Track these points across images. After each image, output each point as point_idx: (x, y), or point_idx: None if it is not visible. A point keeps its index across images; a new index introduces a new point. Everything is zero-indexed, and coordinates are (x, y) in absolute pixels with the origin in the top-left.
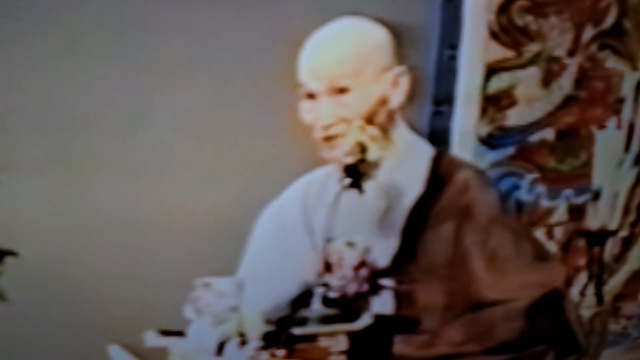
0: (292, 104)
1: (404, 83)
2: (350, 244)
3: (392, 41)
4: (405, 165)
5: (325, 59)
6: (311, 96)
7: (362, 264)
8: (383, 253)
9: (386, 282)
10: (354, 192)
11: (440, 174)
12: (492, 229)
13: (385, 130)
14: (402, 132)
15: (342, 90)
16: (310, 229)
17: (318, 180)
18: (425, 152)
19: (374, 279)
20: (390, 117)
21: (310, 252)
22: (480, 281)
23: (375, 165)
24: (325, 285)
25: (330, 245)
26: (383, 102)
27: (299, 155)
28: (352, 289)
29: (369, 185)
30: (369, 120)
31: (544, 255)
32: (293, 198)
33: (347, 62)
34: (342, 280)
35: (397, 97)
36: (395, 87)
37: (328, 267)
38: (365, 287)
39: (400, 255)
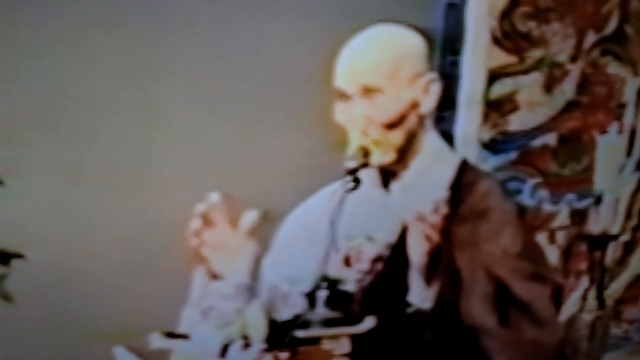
0: (310, 109)
1: (435, 89)
2: (370, 239)
3: (427, 48)
4: (431, 169)
5: (360, 60)
6: (345, 97)
7: (380, 258)
8: None
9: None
10: (379, 192)
11: (464, 181)
12: (503, 232)
13: (415, 134)
14: (431, 138)
15: (375, 92)
16: (333, 230)
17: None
18: (451, 158)
19: None
20: (421, 122)
21: (332, 254)
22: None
23: (403, 166)
24: (339, 281)
25: (351, 242)
26: (414, 106)
27: (303, 161)
28: (367, 282)
29: (394, 186)
30: (399, 123)
31: (539, 273)
32: (320, 204)
33: (381, 64)
34: (359, 274)
35: (428, 103)
36: (426, 93)
37: (347, 262)
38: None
39: None
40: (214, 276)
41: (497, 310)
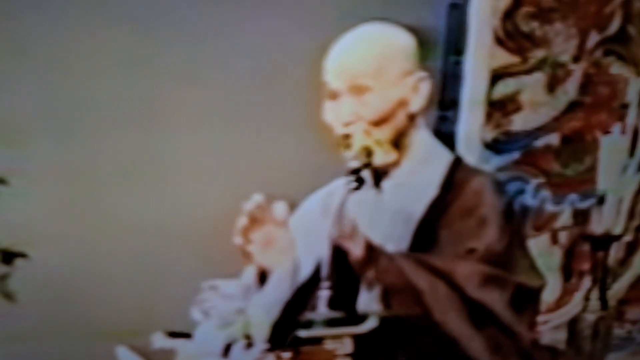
0: (310, 109)
1: (425, 88)
2: None
3: (417, 47)
4: (423, 168)
5: (348, 57)
6: (334, 96)
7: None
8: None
9: None
10: (371, 191)
11: (456, 179)
12: (490, 227)
13: (405, 132)
14: (422, 136)
15: (363, 90)
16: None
17: (340, 186)
18: (444, 157)
19: None
20: (411, 120)
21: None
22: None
23: (394, 165)
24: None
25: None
26: (402, 104)
27: (310, 161)
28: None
29: (386, 185)
30: (387, 120)
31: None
32: (318, 205)
33: (369, 62)
34: None
35: (417, 101)
36: (415, 92)
37: None
38: None
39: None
40: (262, 275)
41: (470, 319)
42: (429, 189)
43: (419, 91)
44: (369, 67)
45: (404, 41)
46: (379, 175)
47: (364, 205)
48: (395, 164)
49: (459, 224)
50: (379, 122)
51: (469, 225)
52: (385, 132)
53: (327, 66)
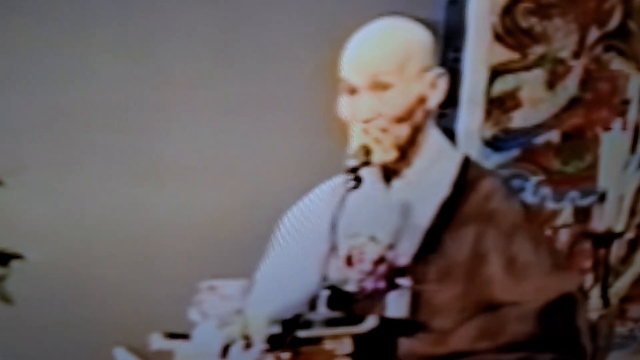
0: (314, 108)
1: (442, 84)
2: (372, 239)
3: (434, 42)
4: (435, 166)
5: (370, 54)
6: (352, 91)
7: (382, 259)
8: (403, 252)
9: (403, 281)
10: (381, 190)
11: (467, 178)
12: (514, 236)
13: (419, 130)
14: (434, 134)
15: (383, 86)
16: (334, 230)
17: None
18: (454, 156)
19: (391, 276)
20: (426, 117)
21: (332, 252)
22: (497, 284)
23: (405, 164)
24: (342, 281)
25: (353, 240)
26: (421, 101)
27: (306, 160)
28: (369, 285)
29: (396, 184)
30: (406, 117)
31: (561, 263)
32: (320, 202)
33: (391, 59)
34: (360, 274)
35: (435, 98)
36: (433, 88)
37: (349, 261)
38: (382, 285)
39: (420, 255)
40: None
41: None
42: (441, 188)
43: (437, 87)
44: (391, 63)
45: (423, 36)
46: (390, 173)
47: (374, 205)
48: (406, 163)
49: (472, 229)
50: (398, 120)
51: (487, 235)
52: (404, 130)
53: (344, 62)
